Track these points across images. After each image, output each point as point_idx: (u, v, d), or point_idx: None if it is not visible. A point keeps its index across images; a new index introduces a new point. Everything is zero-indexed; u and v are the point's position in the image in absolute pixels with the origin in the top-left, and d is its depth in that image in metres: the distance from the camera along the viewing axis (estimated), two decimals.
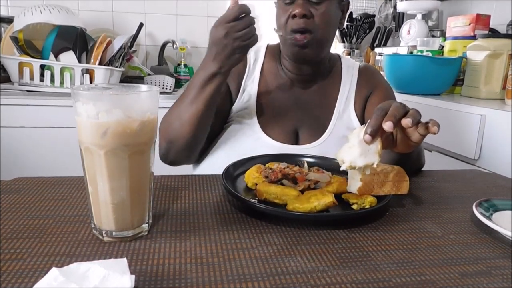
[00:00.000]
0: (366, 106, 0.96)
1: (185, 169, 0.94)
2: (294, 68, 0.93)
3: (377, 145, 0.57)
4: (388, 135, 0.63)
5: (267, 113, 0.93)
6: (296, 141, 0.92)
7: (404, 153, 0.68)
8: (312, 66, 0.93)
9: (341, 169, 0.59)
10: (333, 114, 0.94)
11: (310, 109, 0.94)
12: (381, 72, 1.91)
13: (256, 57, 0.98)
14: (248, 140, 0.89)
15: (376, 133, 0.56)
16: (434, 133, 0.57)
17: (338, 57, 1.02)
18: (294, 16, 0.83)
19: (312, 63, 0.92)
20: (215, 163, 0.88)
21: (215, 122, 0.91)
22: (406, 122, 0.56)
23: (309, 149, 0.88)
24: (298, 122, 0.93)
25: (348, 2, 0.94)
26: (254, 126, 0.90)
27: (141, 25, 1.92)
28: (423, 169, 0.86)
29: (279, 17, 0.88)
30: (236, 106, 0.94)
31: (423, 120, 0.59)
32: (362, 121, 0.95)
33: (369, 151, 0.57)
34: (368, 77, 0.98)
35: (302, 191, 0.61)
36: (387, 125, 0.55)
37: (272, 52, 0.99)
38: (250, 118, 0.91)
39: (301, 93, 0.95)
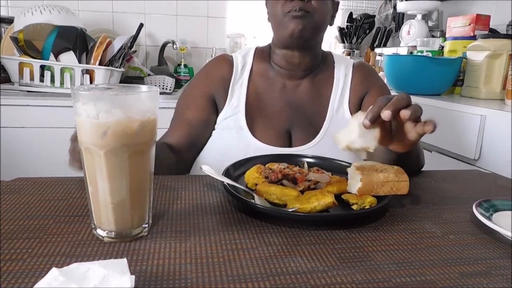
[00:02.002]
0: (361, 106, 0.95)
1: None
2: (286, 61, 0.92)
3: (376, 132, 0.59)
4: (386, 128, 0.63)
5: (258, 116, 0.91)
6: (289, 143, 0.91)
7: (402, 154, 0.68)
8: (306, 55, 0.91)
9: (339, 148, 0.61)
10: (326, 114, 0.93)
11: (303, 109, 0.93)
12: (381, 73, 1.91)
13: (244, 61, 0.96)
14: (239, 146, 0.87)
15: (375, 120, 0.58)
16: (428, 132, 0.58)
17: (329, 53, 1.01)
18: None
19: (307, 45, 0.90)
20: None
21: (203, 133, 0.91)
22: (404, 113, 0.57)
23: (302, 151, 0.87)
24: (290, 123, 0.91)
25: (338, 2, 0.96)
26: (244, 131, 0.89)
27: (141, 25, 1.92)
28: (423, 169, 0.86)
29: (274, 5, 0.88)
30: (225, 112, 0.92)
31: (423, 120, 0.60)
32: None
33: (367, 135, 0.59)
34: (364, 76, 0.96)
35: (302, 192, 0.61)
36: (385, 114, 0.56)
37: (261, 53, 0.98)
38: (239, 123, 0.90)
39: (293, 93, 0.94)
